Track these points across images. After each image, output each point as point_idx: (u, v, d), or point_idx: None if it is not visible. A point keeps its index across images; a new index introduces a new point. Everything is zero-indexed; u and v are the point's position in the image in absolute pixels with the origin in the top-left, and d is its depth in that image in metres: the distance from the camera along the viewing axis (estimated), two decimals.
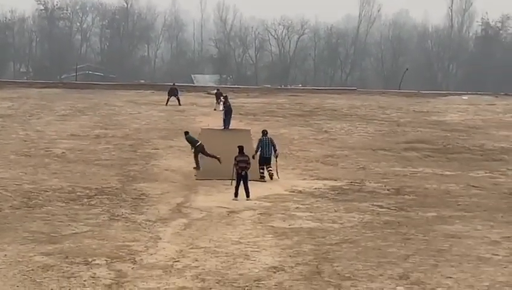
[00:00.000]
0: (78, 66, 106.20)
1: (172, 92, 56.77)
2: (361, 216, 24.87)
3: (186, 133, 34.77)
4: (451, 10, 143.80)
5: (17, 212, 24.26)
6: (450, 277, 18.64)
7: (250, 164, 28.18)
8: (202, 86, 75.09)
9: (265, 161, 31.30)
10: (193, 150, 33.33)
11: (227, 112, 43.82)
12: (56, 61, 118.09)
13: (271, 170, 31.41)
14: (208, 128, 42.02)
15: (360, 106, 56.45)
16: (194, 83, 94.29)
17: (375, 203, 26.89)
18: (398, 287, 17.81)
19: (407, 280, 18.40)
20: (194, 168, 32.67)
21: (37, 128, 43.15)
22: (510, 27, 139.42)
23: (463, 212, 25.68)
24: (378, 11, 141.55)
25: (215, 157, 32.27)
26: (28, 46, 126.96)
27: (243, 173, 27.51)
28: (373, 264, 19.50)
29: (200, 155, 32.64)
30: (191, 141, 33.88)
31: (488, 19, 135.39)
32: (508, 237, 22.56)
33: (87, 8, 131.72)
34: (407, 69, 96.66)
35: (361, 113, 52.04)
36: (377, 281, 18.22)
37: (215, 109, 52.19)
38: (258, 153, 31.24)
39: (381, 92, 72.15)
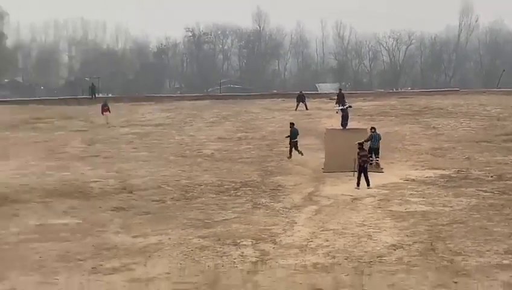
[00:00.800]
0: (221, 81, 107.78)
1: (300, 98, 56.61)
2: (468, 200, 24.36)
3: (292, 124, 35.26)
4: None
5: (177, 203, 24.74)
6: None
7: (370, 158, 28.17)
8: (325, 93, 74.74)
9: (374, 151, 31.49)
10: (290, 140, 34.17)
11: (345, 117, 43.34)
12: (203, 78, 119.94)
13: (378, 160, 31.64)
14: (332, 129, 41.75)
15: (463, 104, 54.95)
16: (317, 91, 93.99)
17: (480, 189, 26.30)
18: (504, 261, 17.37)
19: None
20: (288, 157, 33.77)
21: (190, 134, 43.77)
22: None
23: None
24: (476, 21, 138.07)
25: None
26: (180, 66, 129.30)
27: (365, 165, 27.41)
28: (481, 241, 19.09)
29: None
30: (293, 133, 34.36)
31: None
32: None
33: (227, 32, 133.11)
34: (504, 70, 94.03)
35: (464, 111, 50.65)
36: (485, 256, 17.81)
37: (337, 112, 51.87)
38: (369, 143, 31.17)
39: (481, 91, 70.14)
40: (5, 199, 25.24)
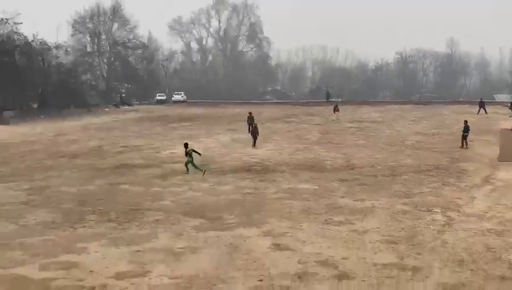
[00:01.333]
0: (421, 91, 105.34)
1: (481, 104, 54.03)
2: None
3: (466, 121, 34.11)
4: None
5: (386, 178, 24.38)
6: None
7: None
8: (502, 101, 70.13)
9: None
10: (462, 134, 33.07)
11: None
12: (407, 89, 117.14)
13: None
14: (506, 128, 39.17)
15: None
16: (495, 100, 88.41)
17: None
18: None
19: None
20: (460, 147, 32.63)
21: (397, 129, 43.05)
22: None
23: None
24: None
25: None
26: (391, 80, 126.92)
27: None
28: None
29: None
30: (465, 128, 33.32)
31: None
32: None
33: (426, 55, 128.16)
34: None
35: None
36: None
37: (510, 116, 48.62)
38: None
39: None
40: (267, 169, 26.30)
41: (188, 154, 24.77)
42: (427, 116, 52.26)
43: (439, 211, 18.62)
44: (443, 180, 23.88)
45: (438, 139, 37.46)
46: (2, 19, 59.34)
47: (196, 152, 25.07)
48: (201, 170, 24.34)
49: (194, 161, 24.76)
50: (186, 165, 24.73)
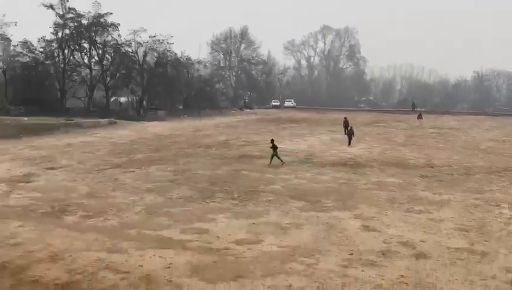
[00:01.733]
0: (495, 104, 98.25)
1: None
2: None
3: None
4: None
5: (461, 177, 22.92)
6: None
7: None
8: None
9: None
10: None
11: None
12: (482, 103, 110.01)
13: None
14: None
15: None
16: None
17: None
18: None
19: None
20: None
21: (472, 135, 40.71)
22: None
23: None
24: None
25: None
26: (468, 95, 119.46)
27: None
28: None
29: None
30: None
31: None
32: None
33: (501, 74, 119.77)
34: None
35: None
36: None
37: None
38: None
39: None
40: (359, 164, 25.75)
41: (273, 148, 24.68)
42: (499, 126, 48.94)
43: (507, 206, 17.34)
44: (511, 181, 22.20)
45: (509, 145, 34.92)
46: (159, 40, 62.92)
47: (276, 147, 24.83)
48: (282, 161, 24.22)
49: (277, 154, 24.71)
50: (272, 156, 24.60)
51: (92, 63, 61.37)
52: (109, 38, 61.04)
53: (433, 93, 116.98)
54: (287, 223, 14.49)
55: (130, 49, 62.43)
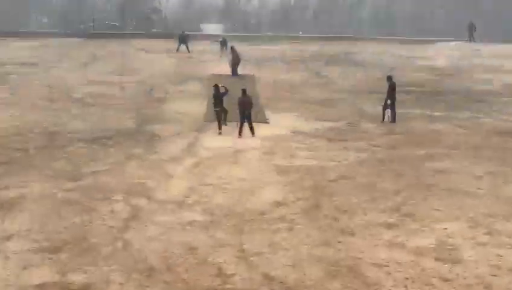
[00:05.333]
0: (95, 17, 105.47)
1: (183, 39, 56.36)
2: (357, 154, 24.89)
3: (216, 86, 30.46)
4: None
5: (42, 152, 24.35)
6: (438, 209, 18.79)
7: (252, 104, 28.20)
8: (209, 35, 74.33)
9: None
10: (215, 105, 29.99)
11: (235, 63, 43.11)
12: (75, 12, 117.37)
13: None
14: (217, 74, 41.61)
15: (356, 51, 56.21)
16: (202, 32, 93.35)
17: (370, 143, 26.84)
18: (389, 219, 17.92)
19: (399, 212, 18.54)
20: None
21: (59, 75, 43.03)
22: None
23: (450, 150, 25.69)
24: None
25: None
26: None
27: (246, 112, 27.62)
28: (367, 199, 19.64)
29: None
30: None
31: None
32: (491, 171, 22.66)
33: None
34: None
35: (358, 59, 51.82)
36: (371, 214, 18.35)
37: (220, 56, 51.81)
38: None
39: (377, 39, 71.49)
40: None
41: None
42: (104, 55, 53.13)
43: (121, 198, 19.26)
44: (127, 152, 24.71)
45: (122, 90, 38.38)
46: None
47: None
48: None
49: None
50: None
51: None
52: None
53: None
54: None
55: None
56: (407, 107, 33.91)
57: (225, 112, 29.28)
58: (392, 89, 31.00)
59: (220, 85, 29.65)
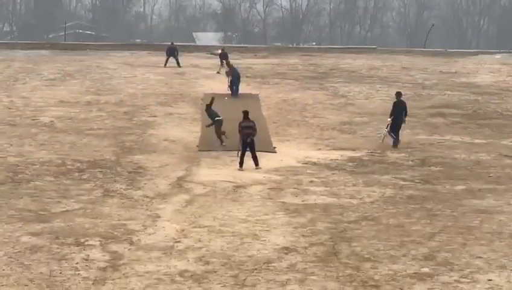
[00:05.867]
0: (67, 25, 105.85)
1: (171, 52, 56.46)
2: (382, 190, 24.98)
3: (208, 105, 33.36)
4: None
5: (2, 187, 24.37)
6: (480, 257, 18.78)
7: (256, 130, 28.25)
8: (204, 46, 74.76)
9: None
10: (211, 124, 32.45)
11: (235, 79, 43.16)
12: (43, 19, 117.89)
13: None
14: (212, 93, 41.69)
15: (380, 66, 56.43)
16: (195, 42, 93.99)
17: (397, 176, 26.97)
18: (422, 269, 17.92)
19: (433, 260, 18.54)
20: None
21: (23, 95, 43.18)
22: None
23: (495, 185, 25.78)
24: None
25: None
26: (12, 3, 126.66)
27: (248, 140, 27.65)
28: (395, 244, 19.66)
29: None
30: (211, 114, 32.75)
31: None
32: None
33: None
34: (433, 25, 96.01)
35: (382, 75, 52.00)
36: (400, 262, 18.35)
37: (218, 72, 51.91)
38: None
39: (404, 50, 72.01)
40: None
41: None
42: (77, 71, 53.27)
43: (98, 243, 19.24)
44: (105, 188, 24.78)
45: (97, 112, 38.50)
46: None
47: None
48: None
49: None
50: None
51: None
52: None
53: None
54: None
55: None
56: (443, 133, 34.04)
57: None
58: (399, 108, 31.35)
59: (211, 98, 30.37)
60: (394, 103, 32.30)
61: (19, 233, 19.82)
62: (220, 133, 31.31)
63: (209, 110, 32.30)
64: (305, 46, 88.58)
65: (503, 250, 19.27)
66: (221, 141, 31.20)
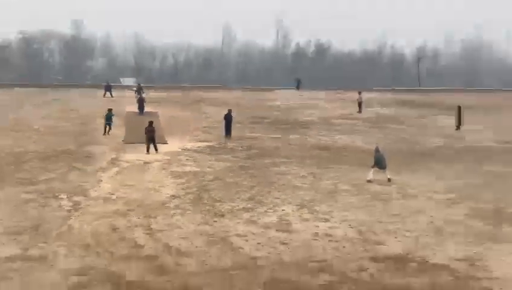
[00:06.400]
0: (44, 72, 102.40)
1: (108, 87, 55.05)
2: (226, 163, 25.04)
3: (110, 110, 33.47)
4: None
5: (10, 166, 23.47)
6: (278, 198, 19.17)
7: (155, 132, 27.98)
8: (128, 85, 73.00)
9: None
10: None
11: (141, 103, 42.51)
12: (29, 69, 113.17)
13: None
14: (131, 111, 41.02)
15: (224, 97, 56.76)
16: (121, 83, 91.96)
17: (234, 155, 27.05)
18: (247, 205, 18.13)
19: (253, 200, 18.84)
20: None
21: (22, 114, 41.39)
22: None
23: (285, 159, 26.18)
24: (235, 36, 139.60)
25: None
26: (16, 62, 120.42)
27: (151, 136, 27.44)
28: (233, 192, 19.83)
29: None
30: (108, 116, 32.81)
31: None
32: (312, 173, 23.26)
33: (46, 34, 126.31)
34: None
35: (228, 102, 52.21)
36: (236, 202, 18.57)
37: (136, 99, 50.83)
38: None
39: (241, 87, 71.90)
40: None
41: None
42: (53, 100, 51.44)
43: (66, 196, 18.78)
44: (70, 165, 24.00)
45: (65, 123, 37.25)
46: None
47: None
48: None
49: None
50: None
51: None
52: None
53: None
54: None
55: None
56: (258, 132, 34.33)
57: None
58: (228, 117, 32.65)
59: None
60: (225, 115, 32.68)
61: (20, 192, 19.17)
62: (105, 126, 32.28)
63: (109, 113, 32.94)
64: (184, 85, 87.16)
65: (290, 194, 19.70)
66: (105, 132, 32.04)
